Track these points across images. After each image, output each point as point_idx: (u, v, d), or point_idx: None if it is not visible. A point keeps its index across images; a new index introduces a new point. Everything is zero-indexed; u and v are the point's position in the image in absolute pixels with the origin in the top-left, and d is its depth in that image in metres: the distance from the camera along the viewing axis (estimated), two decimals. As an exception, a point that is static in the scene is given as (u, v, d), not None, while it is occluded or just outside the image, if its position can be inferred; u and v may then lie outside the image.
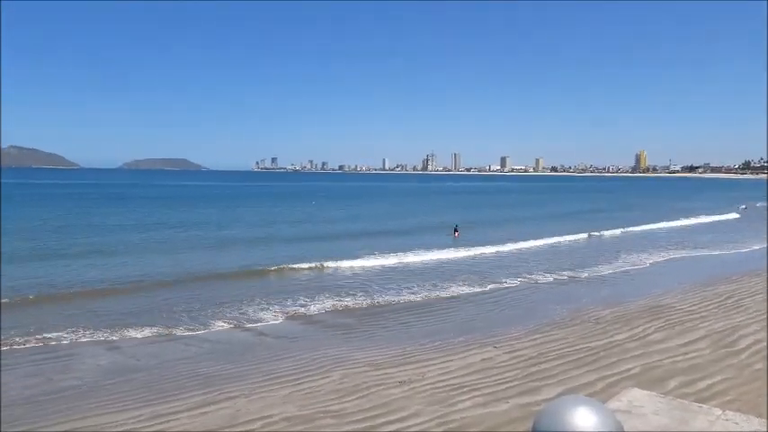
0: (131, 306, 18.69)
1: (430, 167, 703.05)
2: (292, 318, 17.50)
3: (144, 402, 10.53)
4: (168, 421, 9.57)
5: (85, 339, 15.05)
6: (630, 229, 44.10)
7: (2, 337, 14.73)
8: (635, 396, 3.12)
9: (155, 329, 15.85)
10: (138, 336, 15.33)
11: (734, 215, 58.45)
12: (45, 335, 15.18)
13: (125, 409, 10.23)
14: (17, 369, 12.75)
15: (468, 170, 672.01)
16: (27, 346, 14.41)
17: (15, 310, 17.65)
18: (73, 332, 15.50)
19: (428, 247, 32.59)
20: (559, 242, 36.29)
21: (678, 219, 51.61)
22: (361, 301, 19.63)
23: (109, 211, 60.46)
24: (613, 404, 3.02)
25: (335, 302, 19.33)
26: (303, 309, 18.51)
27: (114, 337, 15.19)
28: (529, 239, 36.04)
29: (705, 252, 31.53)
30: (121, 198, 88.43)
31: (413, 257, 29.00)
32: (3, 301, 18.29)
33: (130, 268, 25.66)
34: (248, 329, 16.22)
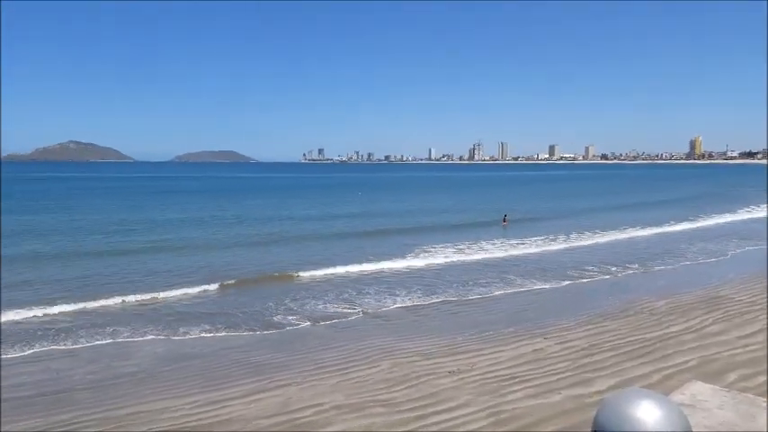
0: (187, 301, 19.16)
1: (477, 157, 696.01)
2: (343, 311, 17.61)
3: (199, 389, 10.82)
4: (223, 407, 9.80)
5: (144, 330, 15.51)
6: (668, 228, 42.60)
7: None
8: (698, 389, 3.01)
9: (207, 323, 16.18)
10: (193, 328, 15.66)
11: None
12: (112, 328, 15.74)
13: (181, 395, 10.53)
14: (81, 354, 13.28)
15: (516, 159, 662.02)
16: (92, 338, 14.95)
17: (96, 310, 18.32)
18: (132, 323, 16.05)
19: (480, 238, 32.25)
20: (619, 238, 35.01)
21: (738, 211, 49.12)
22: (413, 295, 19.58)
23: (165, 205, 61.95)
24: (676, 397, 2.93)
25: (387, 297, 19.30)
26: (353, 301, 18.61)
27: (169, 329, 15.60)
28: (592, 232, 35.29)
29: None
30: (181, 192, 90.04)
31: (461, 253, 28.51)
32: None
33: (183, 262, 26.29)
34: (299, 321, 16.41)
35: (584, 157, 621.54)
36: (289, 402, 9.94)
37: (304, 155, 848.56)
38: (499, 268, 23.56)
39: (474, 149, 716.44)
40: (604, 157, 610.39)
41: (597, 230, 35.41)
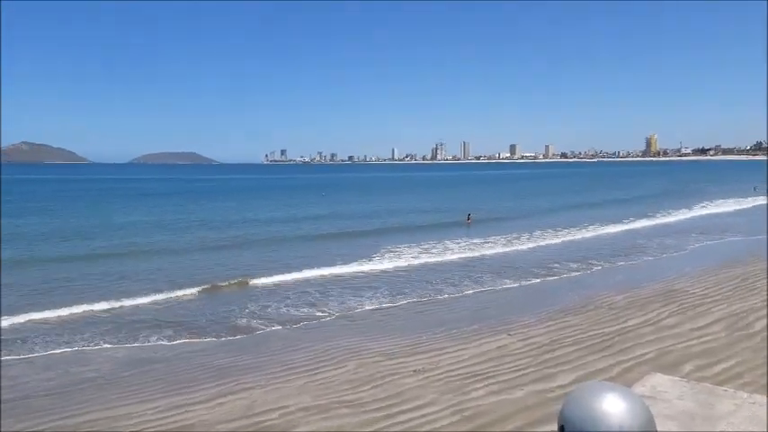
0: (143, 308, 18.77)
1: (439, 156, 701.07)
2: (307, 312, 17.51)
3: (162, 394, 10.62)
4: (186, 412, 9.64)
5: (104, 336, 15.14)
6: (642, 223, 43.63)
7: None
8: (658, 381, 3.08)
9: (170, 328, 15.86)
10: (155, 333, 15.34)
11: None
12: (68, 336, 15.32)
13: (143, 400, 10.32)
14: (37, 362, 12.90)
15: (478, 158, 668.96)
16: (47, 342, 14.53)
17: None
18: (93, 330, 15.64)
19: (445, 238, 32.42)
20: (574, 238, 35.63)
21: (694, 206, 50.38)
22: (379, 296, 19.61)
23: (128, 208, 60.62)
24: (637, 389, 2.99)
25: (351, 298, 19.31)
26: (320, 304, 18.53)
27: (131, 335, 15.27)
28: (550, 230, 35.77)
29: (722, 236, 31.21)
30: (142, 194, 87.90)
31: (427, 253, 28.62)
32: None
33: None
34: (260, 323, 16.26)
35: (544, 156, 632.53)
36: (253, 405, 9.84)
37: (266, 156, 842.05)
38: (464, 267, 23.74)
39: (436, 149, 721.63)
40: (564, 155, 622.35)
41: (559, 228, 35.95)
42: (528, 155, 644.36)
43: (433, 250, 28.55)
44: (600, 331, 13.43)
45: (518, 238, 31.98)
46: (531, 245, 29.98)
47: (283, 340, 14.29)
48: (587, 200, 63.09)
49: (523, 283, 20.49)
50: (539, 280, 20.90)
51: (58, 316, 16.69)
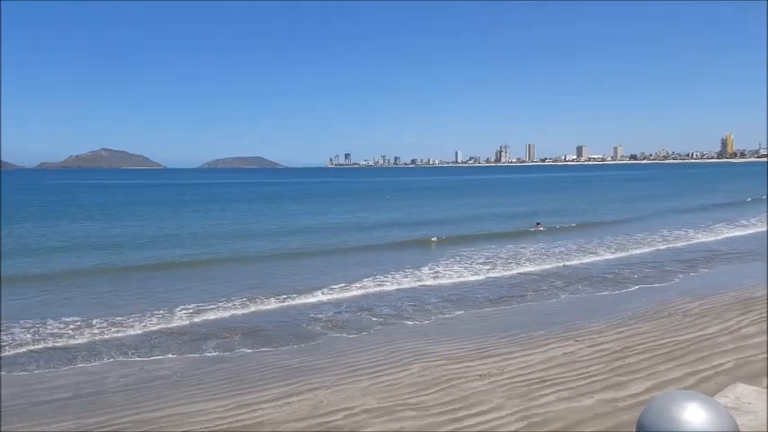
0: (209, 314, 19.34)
1: (503, 159, 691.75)
2: (372, 316, 17.63)
3: (230, 392, 10.90)
4: (254, 411, 9.86)
5: (174, 338, 15.70)
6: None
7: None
8: (742, 392, 2.93)
9: (240, 331, 16.33)
10: (224, 334, 15.84)
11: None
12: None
13: (213, 398, 10.62)
14: (113, 360, 13.50)
15: (543, 160, 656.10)
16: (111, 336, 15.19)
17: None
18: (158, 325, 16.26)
19: (512, 243, 31.85)
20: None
21: None
22: (439, 294, 19.57)
23: (204, 213, 62.46)
24: (720, 400, 2.85)
25: (418, 304, 19.33)
26: (378, 306, 18.65)
27: (202, 336, 15.78)
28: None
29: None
30: (216, 200, 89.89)
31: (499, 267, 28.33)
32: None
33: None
34: (327, 327, 16.46)
35: (612, 158, 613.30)
36: (319, 406, 9.96)
37: (330, 159, 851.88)
38: (537, 277, 23.34)
39: (500, 151, 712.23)
40: (633, 157, 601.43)
41: (640, 235, 34.80)
42: (595, 157, 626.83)
43: (503, 255, 28.21)
44: (674, 339, 12.92)
45: (601, 245, 30.64)
46: (610, 255, 28.90)
47: (348, 343, 14.42)
48: (677, 204, 60.66)
49: (592, 291, 19.95)
50: (608, 288, 20.29)
51: (136, 318, 17.41)
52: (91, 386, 11.78)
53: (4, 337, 15.22)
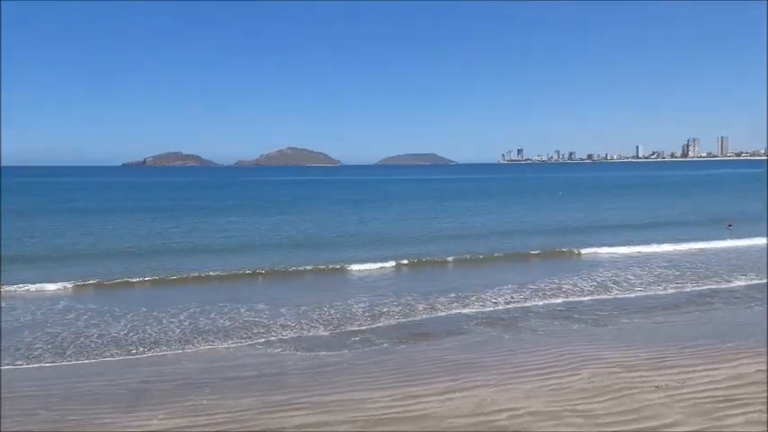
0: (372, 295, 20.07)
1: (691, 153, 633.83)
2: (536, 315, 17.26)
3: (396, 383, 11.27)
4: (418, 403, 10.10)
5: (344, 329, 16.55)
6: None
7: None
8: None
9: (409, 326, 16.82)
10: (396, 328, 16.42)
11: None
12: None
13: (380, 387, 11.06)
14: (293, 343, 14.61)
15: (738, 155, 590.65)
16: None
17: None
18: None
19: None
20: None
21: None
22: (611, 294, 18.62)
23: (383, 210, 64.97)
24: None
25: (583, 295, 18.59)
26: (548, 300, 18.19)
27: (375, 330, 16.52)
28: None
29: None
30: (392, 198, 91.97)
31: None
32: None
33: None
34: (492, 322, 16.40)
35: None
36: (482, 404, 9.95)
37: (502, 155, 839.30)
38: (726, 285, 21.33)
39: (687, 145, 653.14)
40: None
41: None
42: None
43: (687, 261, 26.11)
44: None
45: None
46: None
47: (516, 343, 14.23)
48: None
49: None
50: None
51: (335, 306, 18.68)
52: (272, 367, 12.86)
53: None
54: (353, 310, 18.13)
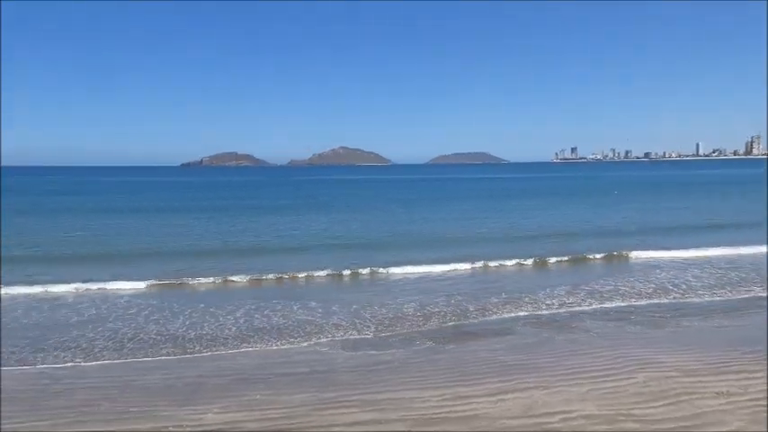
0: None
1: (755, 151, 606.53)
2: (586, 312, 16.95)
3: (447, 383, 11.27)
4: (469, 403, 10.07)
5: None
6: None
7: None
8: None
9: (462, 327, 16.78)
10: (447, 328, 16.43)
11: None
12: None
13: (430, 387, 11.08)
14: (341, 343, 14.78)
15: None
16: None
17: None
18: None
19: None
20: None
21: None
22: (669, 295, 18.13)
23: (434, 210, 64.86)
24: None
25: (641, 298, 18.17)
26: (603, 302, 17.86)
27: (426, 330, 16.55)
28: None
29: None
30: (449, 198, 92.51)
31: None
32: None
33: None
34: (545, 323, 16.20)
35: None
36: (534, 406, 9.85)
37: (556, 154, 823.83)
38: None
39: (752, 142, 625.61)
40: None
41: None
42: None
43: (747, 262, 25.15)
44: None
45: None
46: None
47: (568, 345, 14.00)
48: None
49: None
50: None
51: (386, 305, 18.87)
52: (324, 365, 13.04)
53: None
54: (405, 309, 18.18)
